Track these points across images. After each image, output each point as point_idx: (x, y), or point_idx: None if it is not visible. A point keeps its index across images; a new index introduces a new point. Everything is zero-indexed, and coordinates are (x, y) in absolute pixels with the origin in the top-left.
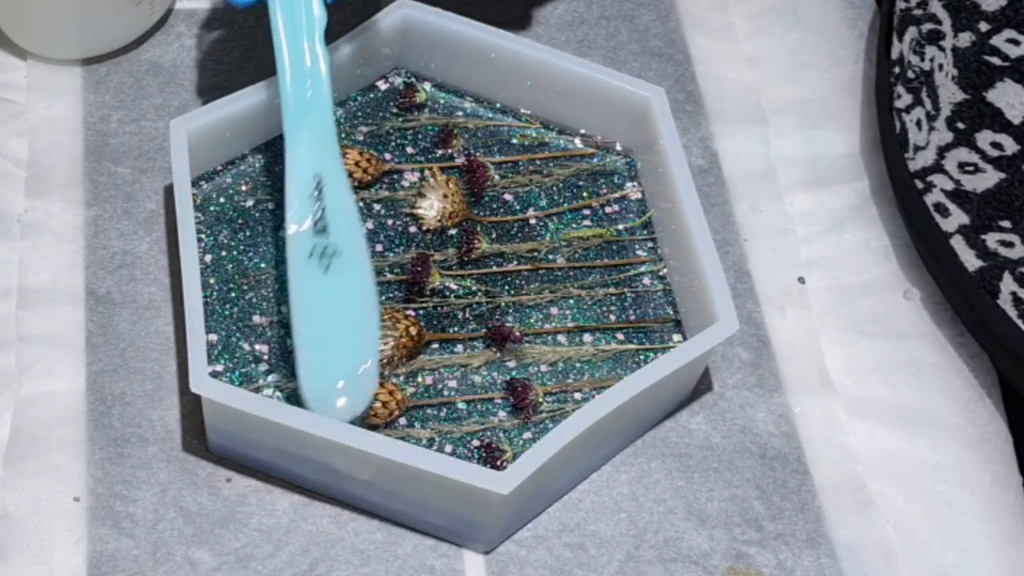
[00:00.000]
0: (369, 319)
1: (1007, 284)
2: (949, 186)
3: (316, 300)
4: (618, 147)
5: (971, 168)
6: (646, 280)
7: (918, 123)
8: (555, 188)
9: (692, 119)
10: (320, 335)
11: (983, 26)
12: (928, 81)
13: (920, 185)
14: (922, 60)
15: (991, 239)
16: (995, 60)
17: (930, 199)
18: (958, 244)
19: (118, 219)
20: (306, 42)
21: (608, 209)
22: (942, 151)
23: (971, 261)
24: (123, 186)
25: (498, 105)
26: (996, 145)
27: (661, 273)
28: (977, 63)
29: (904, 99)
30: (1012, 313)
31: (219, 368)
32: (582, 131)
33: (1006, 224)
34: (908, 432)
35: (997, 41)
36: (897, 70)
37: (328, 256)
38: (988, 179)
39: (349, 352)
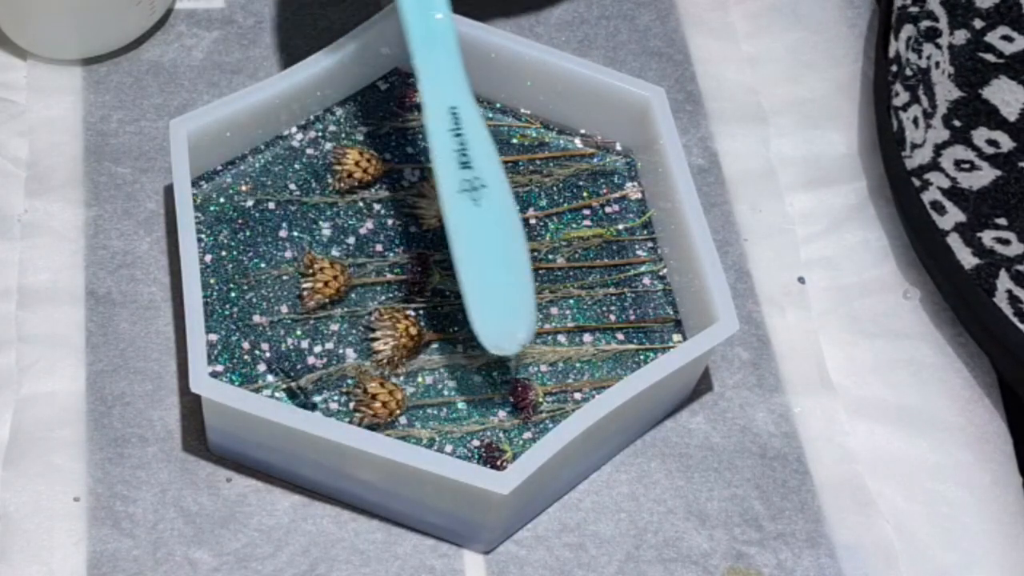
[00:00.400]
0: (521, 248)
1: (1003, 282)
2: (945, 184)
3: (472, 235)
4: (618, 147)
5: (967, 166)
6: (646, 280)
7: (915, 121)
8: (555, 188)
9: (692, 119)
10: (482, 270)
11: (978, 23)
12: (925, 79)
13: (917, 183)
14: (919, 58)
15: (987, 236)
16: (990, 57)
17: (927, 197)
18: (954, 242)
19: (118, 219)
20: None
21: (608, 209)
22: (939, 149)
23: (967, 259)
24: (123, 186)
25: (498, 105)
26: (992, 142)
27: (661, 273)
28: (972, 60)
29: (902, 97)
30: (1008, 311)
31: (219, 368)
32: (582, 131)
33: (1002, 221)
34: (908, 432)
35: (991, 38)
36: (894, 68)
37: (475, 189)
38: (984, 176)
39: (509, 283)
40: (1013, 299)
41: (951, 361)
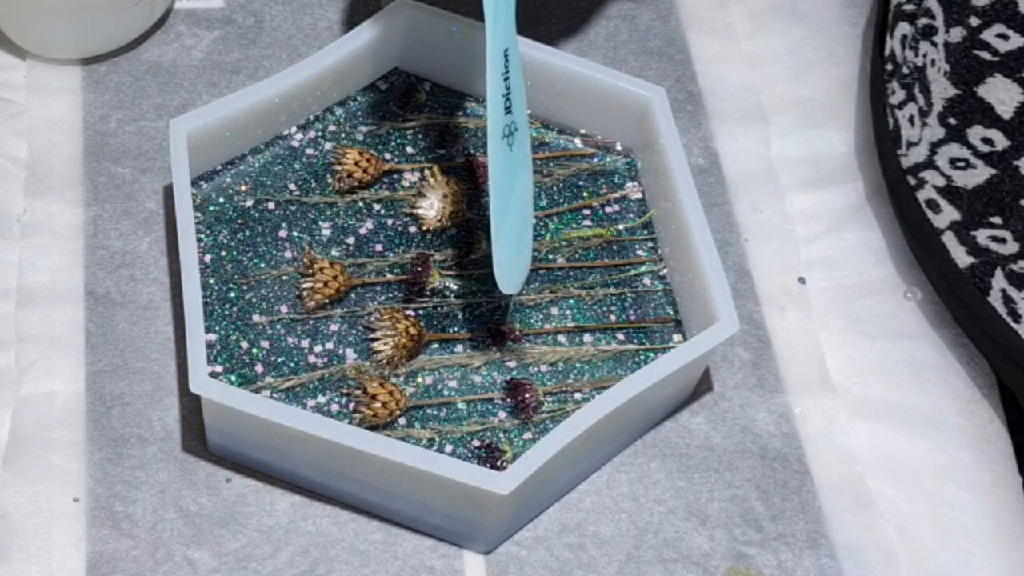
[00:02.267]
0: (531, 192)
1: (998, 281)
2: (941, 182)
3: (505, 178)
4: (618, 147)
5: (962, 164)
6: (646, 280)
7: (911, 119)
8: (555, 188)
9: (692, 119)
10: (507, 212)
11: (974, 21)
12: (921, 77)
13: (912, 181)
14: (916, 55)
15: (981, 235)
16: (985, 55)
17: (922, 195)
18: (949, 240)
19: (118, 219)
20: None
21: (608, 209)
22: (934, 147)
23: (962, 258)
24: (123, 186)
25: None
26: (987, 140)
27: (661, 273)
28: (968, 58)
29: (898, 95)
30: (1002, 311)
31: (218, 368)
32: (582, 131)
33: (997, 220)
34: (909, 432)
35: (987, 36)
36: (890, 66)
37: (511, 134)
38: (979, 175)
39: (523, 229)
40: (1007, 299)
41: (951, 362)
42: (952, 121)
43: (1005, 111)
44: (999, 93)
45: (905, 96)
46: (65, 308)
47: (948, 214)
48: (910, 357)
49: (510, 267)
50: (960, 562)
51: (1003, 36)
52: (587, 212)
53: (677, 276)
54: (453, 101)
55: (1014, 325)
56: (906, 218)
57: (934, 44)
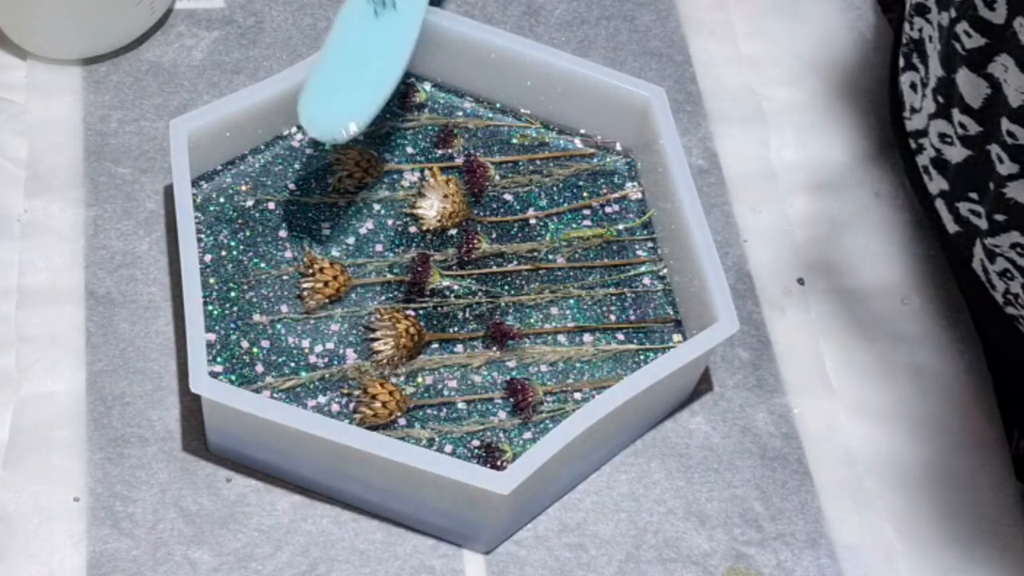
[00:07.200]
0: (393, 73)
1: (979, 251)
2: (932, 152)
3: (353, 38)
4: (618, 147)
5: (948, 139)
6: (646, 280)
7: (912, 86)
8: (555, 188)
9: (692, 119)
10: (339, 67)
11: (952, 12)
12: (920, 49)
13: (914, 145)
14: (911, 28)
15: (963, 207)
16: (958, 47)
17: (920, 160)
18: (940, 208)
19: (118, 219)
20: None
21: (608, 209)
22: (930, 118)
23: (950, 225)
24: (123, 186)
25: (498, 105)
26: (962, 125)
27: (661, 273)
28: (947, 47)
29: (903, 61)
30: (982, 277)
31: (219, 368)
32: (582, 131)
33: (974, 196)
34: (907, 434)
35: (958, 30)
36: (907, 29)
37: (384, 5)
38: (959, 153)
39: (360, 89)
40: (984, 269)
41: (950, 366)
42: (940, 99)
43: (974, 101)
44: (968, 86)
45: (904, 64)
46: (65, 308)
47: (938, 183)
48: (908, 361)
49: (329, 115)
50: (959, 563)
51: (967, 34)
52: (587, 212)
53: (677, 276)
54: (453, 101)
55: (991, 292)
56: (912, 179)
57: (929, 22)
